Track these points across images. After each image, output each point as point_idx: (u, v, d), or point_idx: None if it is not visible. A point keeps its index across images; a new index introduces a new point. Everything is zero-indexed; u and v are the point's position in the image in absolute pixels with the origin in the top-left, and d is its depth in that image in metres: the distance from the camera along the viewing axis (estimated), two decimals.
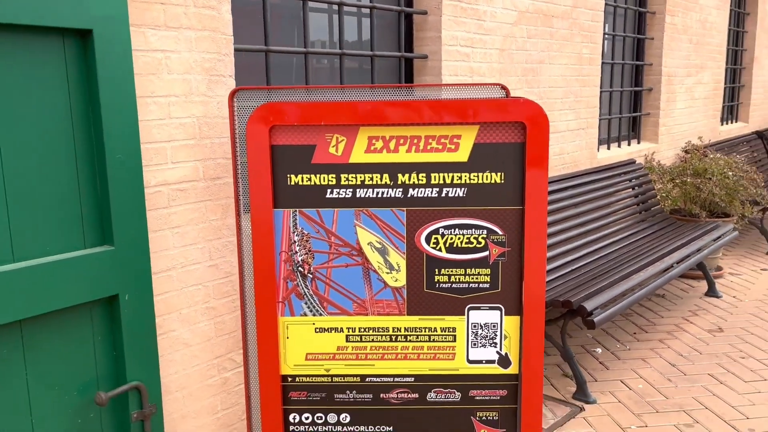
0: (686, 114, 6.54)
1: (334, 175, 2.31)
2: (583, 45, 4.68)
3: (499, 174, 2.31)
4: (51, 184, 1.97)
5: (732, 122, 8.25)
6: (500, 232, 2.35)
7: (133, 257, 2.15)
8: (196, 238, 2.45)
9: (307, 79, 3.01)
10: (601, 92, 5.30)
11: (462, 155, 2.30)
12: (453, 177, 2.31)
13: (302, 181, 2.31)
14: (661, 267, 3.94)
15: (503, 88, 2.26)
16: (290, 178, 2.31)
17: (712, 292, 4.91)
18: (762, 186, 5.40)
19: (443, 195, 2.33)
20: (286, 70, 3.02)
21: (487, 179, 2.31)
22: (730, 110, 8.23)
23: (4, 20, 1.79)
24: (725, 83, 7.72)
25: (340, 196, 2.32)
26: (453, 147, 2.30)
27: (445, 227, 2.35)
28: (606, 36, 5.34)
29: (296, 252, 2.36)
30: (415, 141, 2.29)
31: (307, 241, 2.35)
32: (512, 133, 2.28)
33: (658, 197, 5.43)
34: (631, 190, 5.18)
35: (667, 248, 4.34)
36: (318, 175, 2.31)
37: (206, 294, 2.52)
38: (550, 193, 4.25)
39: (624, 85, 5.78)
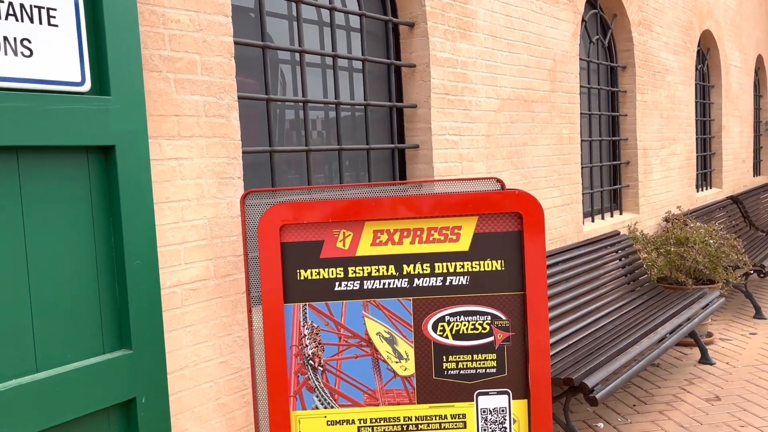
0: (663, 184, 6.80)
1: (342, 269, 2.40)
2: (562, 126, 4.93)
3: (499, 261, 2.42)
4: (73, 292, 2.04)
5: (707, 188, 8.56)
6: (504, 318, 2.44)
7: (150, 359, 2.20)
8: (208, 335, 2.51)
9: (308, 175, 3.15)
10: (582, 168, 5.54)
11: (463, 245, 2.42)
12: (456, 266, 2.42)
13: (311, 275, 2.40)
14: (655, 338, 4.03)
15: (498, 181, 2.41)
16: (300, 273, 2.40)
17: (705, 359, 4.99)
18: (742, 252, 5.59)
19: (447, 283, 2.43)
20: (289, 165, 3.16)
21: (488, 267, 2.42)
22: (704, 177, 8.55)
23: (37, 143, 1.91)
24: (697, 152, 8.07)
25: (348, 288, 2.41)
26: (454, 237, 2.42)
27: (451, 314, 2.43)
28: (583, 115, 5.63)
29: (306, 345, 2.42)
30: (418, 233, 2.41)
31: (317, 334, 2.42)
32: (510, 223, 2.42)
33: (645, 266, 5.58)
34: (618, 261, 5.33)
35: (659, 318, 4.44)
36: (326, 269, 2.40)
37: (218, 391, 2.55)
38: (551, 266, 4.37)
39: (603, 160, 6.04)
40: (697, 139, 8.07)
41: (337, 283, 2.41)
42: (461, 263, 2.42)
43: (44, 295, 1.95)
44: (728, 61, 8.72)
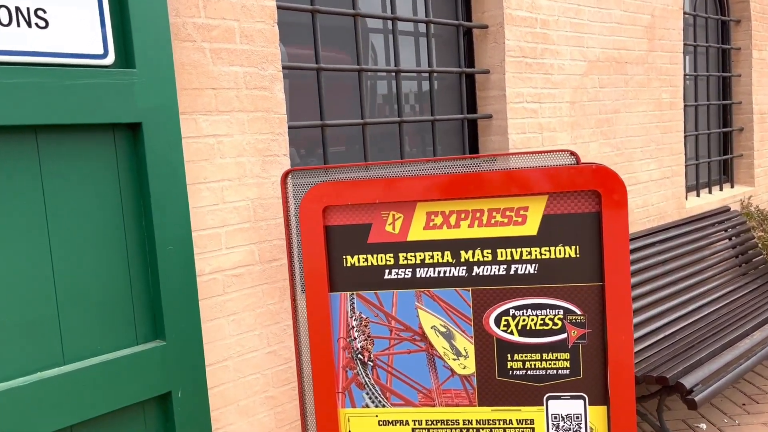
0: None
1: (392, 255, 2.16)
2: (662, 89, 4.39)
3: (573, 247, 2.09)
4: (101, 280, 1.92)
5: None
6: (579, 312, 2.11)
7: (186, 351, 2.06)
8: (253, 324, 2.35)
9: (365, 150, 2.91)
10: (685, 136, 4.95)
11: (530, 228, 2.11)
12: (522, 252, 2.11)
13: (359, 262, 2.17)
14: (747, 346, 3.51)
15: (572, 154, 2.07)
16: (346, 259, 2.18)
17: None
18: None
19: (512, 272, 2.12)
20: (345, 140, 2.94)
21: (560, 254, 2.10)
22: None
23: (56, 121, 1.78)
24: None
25: (399, 276, 2.17)
26: (520, 220, 2.11)
27: (516, 308, 2.13)
28: (687, 77, 5.02)
29: (355, 338, 2.21)
30: (478, 215, 2.12)
31: (366, 326, 2.20)
32: (585, 203, 2.07)
33: (760, 246, 4.94)
34: (727, 241, 4.74)
35: (760, 317, 3.88)
36: (375, 255, 2.17)
37: (265, 383, 2.40)
38: (633, 251, 3.93)
39: (711, 127, 5.39)
40: None
41: (386, 271, 2.17)
42: (528, 249, 2.11)
43: (70, 283, 1.85)
44: None
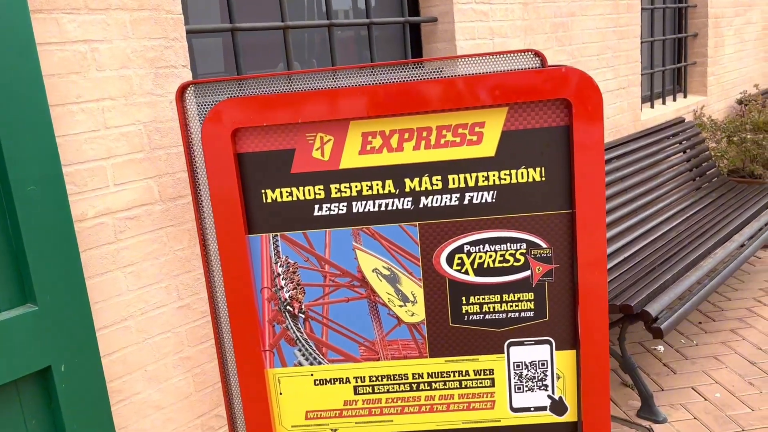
0: (736, 59, 5.80)
1: (322, 186, 1.77)
2: None
3: (538, 170, 1.74)
4: None
5: None
6: (544, 245, 1.79)
7: (67, 315, 1.65)
8: (158, 275, 1.95)
9: (288, 61, 2.45)
10: (641, 43, 4.63)
11: (487, 148, 1.74)
12: (478, 178, 1.75)
13: (281, 196, 1.78)
14: (730, 248, 3.34)
15: (538, 54, 1.68)
16: (265, 194, 1.78)
17: None
18: None
19: (466, 202, 1.77)
20: (264, 51, 2.46)
21: (522, 177, 1.75)
22: None
23: None
24: None
25: (332, 212, 1.79)
26: (475, 138, 1.74)
27: (472, 243, 1.80)
28: None
29: (282, 287, 1.84)
30: (425, 134, 1.74)
31: (294, 272, 1.83)
32: (553, 115, 1.71)
33: (713, 158, 4.77)
34: (682, 154, 4.54)
35: (733, 223, 3.72)
36: (301, 188, 1.77)
37: (178, 342, 2.02)
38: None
39: (666, 33, 5.08)
40: None
41: (317, 206, 1.78)
42: (485, 174, 1.75)
43: None
44: None
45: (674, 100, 5.18)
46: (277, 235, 1.80)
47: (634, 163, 4.02)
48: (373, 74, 1.69)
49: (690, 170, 4.52)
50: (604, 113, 4.06)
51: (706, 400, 2.90)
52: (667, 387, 3.04)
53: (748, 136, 4.59)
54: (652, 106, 4.88)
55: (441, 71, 1.72)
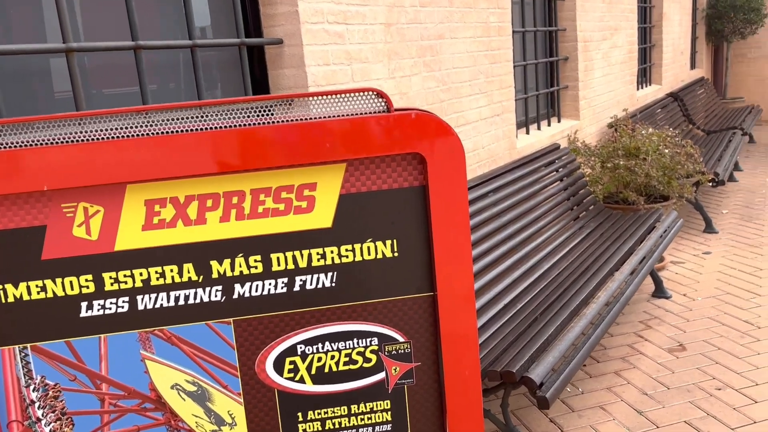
0: (605, 83, 5.84)
1: (90, 276, 1.26)
2: (489, 11, 3.77)
3: (388, 243, 1.33)
4: None
5: (647, 85, 7.71)
6: (401, 339, 1.38)
7: None
8: None
9: (76, 96, 1.90)
10: (514, 67, 4.45)
11: (322, 217, 1.31)
12: (311, 256, 1.32)
13: (29, 293, 1.24)
14: (612, 288, 3.14)
15: (380, 94, 1.28)
16: (5, 290, 1.24)
17: (660, 292, 4.21)
18: (700, 161, 4.75)
19: (297, 288, 1.33)
20: (39, 77, 1.90)
21: (369, 253, 1.33)
22: (643, 73, 7.67)
23: None
24: (638, 44, 7.11)
25: (108, 311, 1.28)
26: (304, 205, 1.30)
27: (308, 342, 1.35)
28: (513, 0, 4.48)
29: (39, 419, 1.30)
30: (235, 200, 1.28)
31: (56, 397, 1.30)
32: (404, 173, 1.31)
33: (589, 185, 4.67)
34: (559, 182, 4.38)
35: (613, 258, 3.55)
36: (59, 280, 1.25)
37: None
38: (471, 203, 3.35)
39: (538, 56, 4.96)
40: (638, 28, 7.09)
41: (84, 304, 1.27)
42: (319, 251, 1.32)
43: None
44: None
45: (549, 124, 5.07)
46: (26, 348, 1.27)
47: (512, 196, 3.78)
48: (147, 117, 1.20)
49: (567, 199, 4.37)
50: (477, 143, 3.81)
51: None
52: None
53: (621, 162, 4.53)
54: (527, 132, 4.72)
55: (264, 110, 1.27)
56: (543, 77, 5.07)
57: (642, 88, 7.51)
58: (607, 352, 3.55)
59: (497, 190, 3.71)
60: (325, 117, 1.24)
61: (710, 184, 5.28)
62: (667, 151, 4.55)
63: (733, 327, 3.68)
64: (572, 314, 2.81)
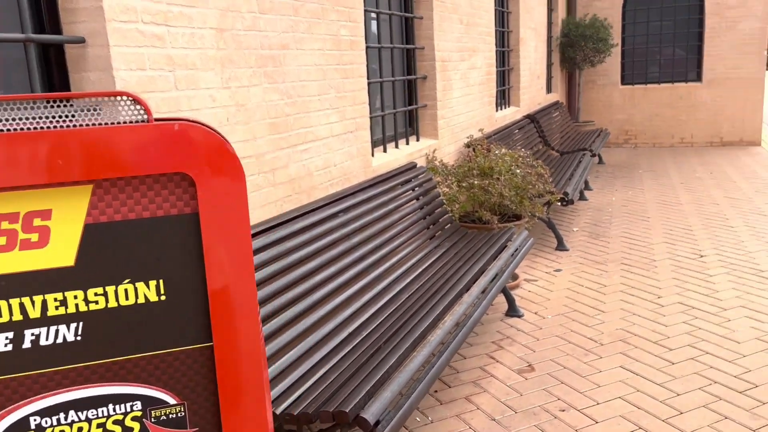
0: (463, 103, 5.91)
1: None
2: (340, 24, 3.62)
3: (152, 284, 1.08)
4: None
5: (506, 107, 7.97)
6: (173, 401, 1.13)
7: None
8: None
9: None
10: (369, 84, 4.33)
11: (61, 254, 1.03)
12: (45, 303, 1.04)
13: None
14: (459, 312, 3.05)
15: (137, 101, 1.03)
16: None
17: (513, 311, 4.24)
18: (549, 181, 4.89)
19: (28, 345, 1.04)
20: None
21: (127, 298, 1.07)
22: (502, 95, 7.93)
23: None
24: (496, 67, 7.33)
25: None
26: (35, 238, 1.02)
27: (44, 412, 1.06)
28: (368, 13, 4.36)
29: None
30: None
31: None
32: (171, 197, 1.07)
33: (446, 204, 4.65)
34: (416, 201, 4.31)
35: (465, 278, 3.49)
36: None
37: None
38: (315, 225, 3.15)
39: (396, 74, 4.90)
40: (496, 52, 7.31)
41: None
42: (58, 296, 1.04)
43: None
44: None
45: (407, 143, 5.01)
46: None
47: (366, 215, 3.63)
48: None
49: (424, 218, 4.30)
50: (328, 161, 3.63)
51: None
52: None
53: (476, 182, 4.55)
54: (384, 150, 4.62)
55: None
56: (402, 95, 5.02)
57: (501, 109, 7.75)
58: (459, 376, 3.48)
59: (351, 209, 3.55)
60: (56, 125, 0.98)
61: (560, 203, 5.47)
62: (519, 171, 4.62)
63: (579, 345, 3.74)
64: (416, 342, 2.68)
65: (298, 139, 3.26)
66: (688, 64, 10.71)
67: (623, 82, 11.13)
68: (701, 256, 5.13)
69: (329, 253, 3.16)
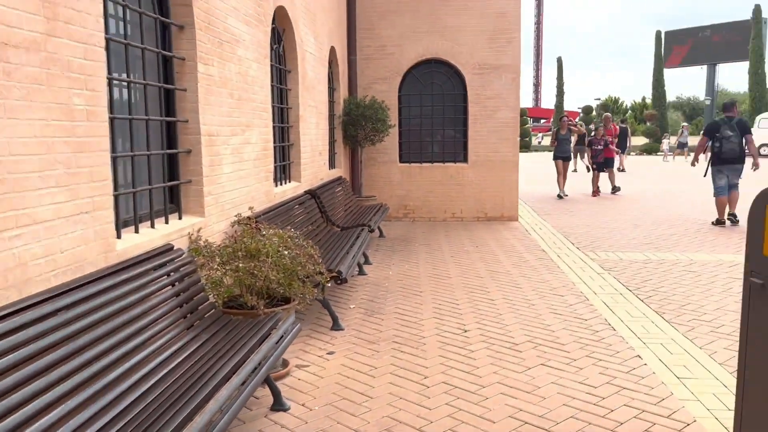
0: (236, 178, 5.67)
1: None
2: (73, 92, 3.20)
3: None
4: None
5: (286, 182, 7.89)
6: None
7: None
8: None
9: None
10: (115, 158, 3.90)
11: None
12: None
13: None
14: (212, 409, 2.69)
15: None
16: None
17: (278, 404, 3.94)
18: (320, 263, 4.78)
19: None
20: None
21: None
22: (283, 170, 7.86)
23: None
24: (275, 142, 7.25)
25: None
26: None
27: None
28: (114, 83, 3.97)
29: None
30: None
31: None
32: None
33: (207, 289, 4.28)
34: (171, 287, 3.89)
35: (221, 372, 3.14)
36: None
37: None
38: (30, 324, 2.60)
39: (152, 148, 4.50)
40: (274, 127, 7.24)
41: None
42: None
43: None
44: (304, 47, 8.18)
45: (167, 222, 4.59)
46: None
47: (104, 307, 3.14)
48: None
49: (180, 306, 3.88)
50: (53, 247, 3.11)
51: None
52: None
53: (241, 265, 4.27)
54: (136, 231, 4.15)
55: None
56: (159, 170, 4.62)
57: (281, 184, 7.64)
58: None
59: (80, 302, 3.03)
60: None
61: (334, 282, 5.38)
62: (287, 252, 4.44)
63: None
64: None
65: (6, 224, 2.72)
66: (456, 146, 11.71)
67: (401, 160, 11.79)
68: (465, 331, 5.33)
69: (44, 359, 2.62)
